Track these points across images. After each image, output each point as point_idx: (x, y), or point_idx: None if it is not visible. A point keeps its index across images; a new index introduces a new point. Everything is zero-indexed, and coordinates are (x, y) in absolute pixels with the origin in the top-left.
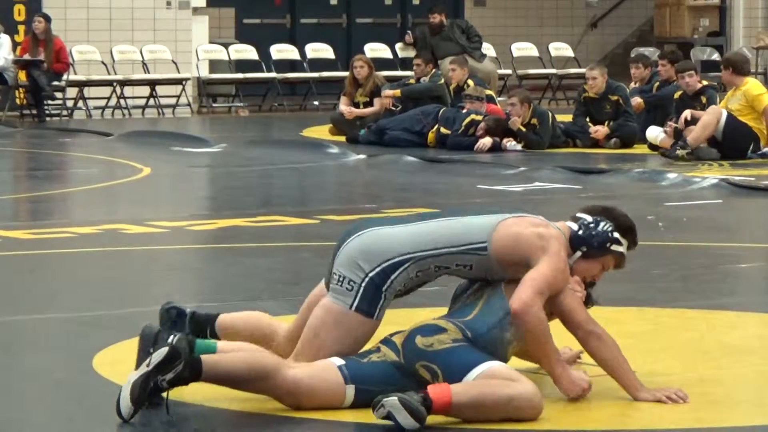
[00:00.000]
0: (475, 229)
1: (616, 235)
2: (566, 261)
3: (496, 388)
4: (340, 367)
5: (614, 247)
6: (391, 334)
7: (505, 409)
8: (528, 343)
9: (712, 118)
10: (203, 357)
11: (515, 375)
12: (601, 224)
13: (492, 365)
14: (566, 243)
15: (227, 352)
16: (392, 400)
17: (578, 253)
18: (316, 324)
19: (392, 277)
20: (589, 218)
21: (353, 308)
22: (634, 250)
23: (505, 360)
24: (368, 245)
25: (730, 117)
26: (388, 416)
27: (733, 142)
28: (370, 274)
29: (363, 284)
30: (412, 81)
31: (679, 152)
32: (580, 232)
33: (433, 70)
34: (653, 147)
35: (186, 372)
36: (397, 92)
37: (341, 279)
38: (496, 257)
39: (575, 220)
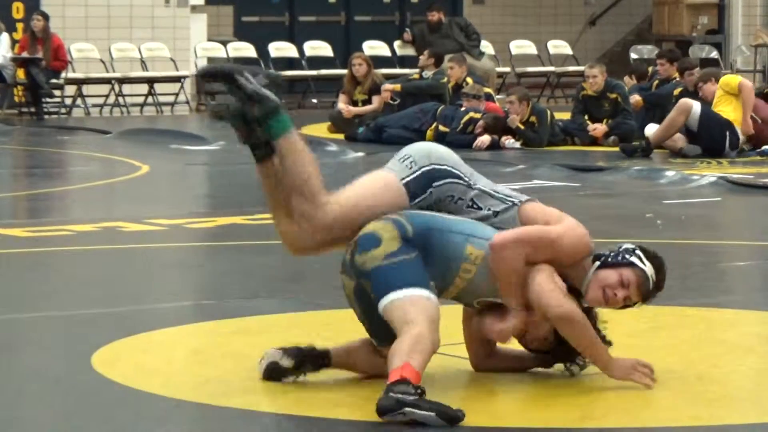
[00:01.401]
0: (515, 193)
1: (639, 252)
2: (582, 243)
3: (422, 346)
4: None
5: (634, 260)
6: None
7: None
8: (499, 280)
9: (678, 115)
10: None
11: (412, 315)
12: (626, 245)
13: (408, 294)
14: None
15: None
16: (426, 415)
17: (597, 263)
18: (365, 177)
19: (445, 180)
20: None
21: (403, 181)
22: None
23: (445, 281)
24: (445, 152)
25: (705, 108)
26: (414, 422)
27: (708, 132)
28: (434, 166)
29: (422, 169)
30: (415, 77)
31: (638, 154)
32: (605, 252)
33: (438, 69)
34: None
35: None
36: (398, 87)
37: (407, 158)
38: (521, 217)
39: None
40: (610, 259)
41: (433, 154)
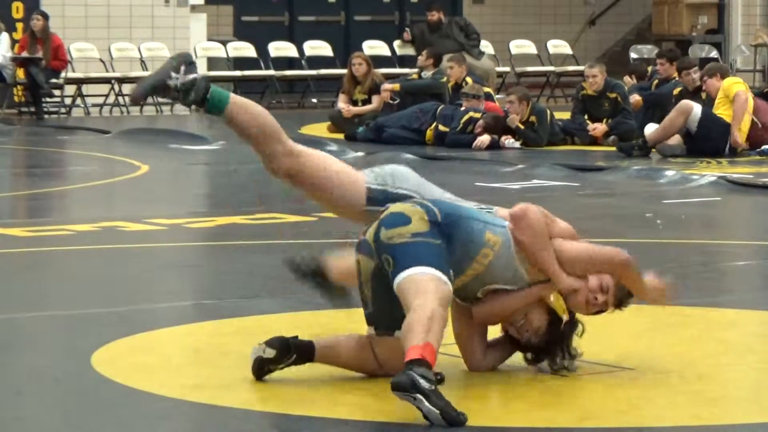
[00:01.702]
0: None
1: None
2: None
3: (437, 325)
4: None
5: None
6: (363, 233)
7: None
8: (532, 251)
9: (677, 116)
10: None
11: (429, 292)
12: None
13: (428, 272)
14: None
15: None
16: (432, 411)
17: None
18: (340, 165)
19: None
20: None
21: (367, 185)
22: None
23: (461, 267)
24: (407, 176)
25: (706, 111)
26: (422, 411)
27: (707, 135)
28: (396, 186)
29: (384, 186)
30: (414, 76)
31: (636, 152)
32: None
33: (437, 68)
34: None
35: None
36: (396, 86)
37: (374, 170)
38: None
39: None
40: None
41: (396, 176)
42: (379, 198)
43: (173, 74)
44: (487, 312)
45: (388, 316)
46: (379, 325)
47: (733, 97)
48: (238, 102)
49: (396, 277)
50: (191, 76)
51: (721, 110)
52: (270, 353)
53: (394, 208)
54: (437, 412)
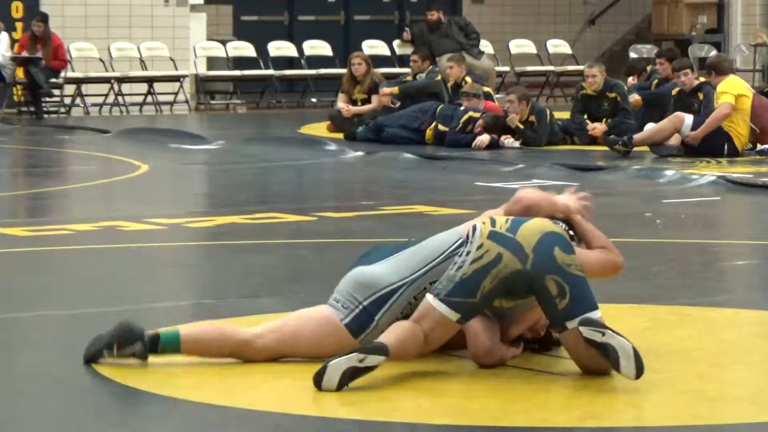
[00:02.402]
0: (447, 236)
1: None
2: None
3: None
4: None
5: None
6: (499, 227)
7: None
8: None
9: (667, 124)
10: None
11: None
12: None
13: (599, 314)
14: None
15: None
16: (624, 343)
17: None
18: (307, 315)
19: (386, 305)
20: None
21: (343, 322)
22: None
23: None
24: (357, 281)
25: (697, 122)
26: (605, 348)
27: (703, 144)
28: (365, 303)
29: (357, 309)
30: (409, 78)
31: (618, 147)
32: None
33: (430, 67)
34: (651, 145)
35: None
36: (395, 89)
37: (339, 300)
38: None
39: None
40: None
41: (350, 288)
42: (362, 322)
43: (104, 352)
44: (520, 328)
45: (477, 311)
46: (467, 315)
47: (719, 106)
48: (188, 340)
49: (575, 319)
50: (127, 349)
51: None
52: (373, 360)
53: (556, 230)
54: (630, 344)
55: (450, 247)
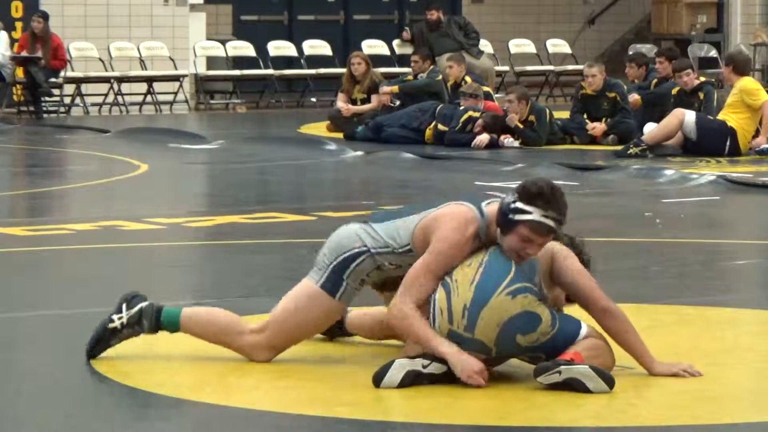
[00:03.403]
0: (403, 232)
1: (518, 204)
2: (460, 234)
3: (603, 358)
4: None
5: (519, 217)
6: (456, 326)
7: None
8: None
9: (673, 119)
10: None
11: (598, 334)
12: (507, 199)
13: (584, 331)
14: (482, 231)
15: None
16: (581, 369)
17: (498, 230)
18: (289, 295)
19: (351, 266)
20: (504, 196)
21: (319, 284)
22: (559, 220)
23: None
24: (335, 240)
25: (700, 117)
26: (569, 385)
27: (705, 141)
28: (334, 263)
29: (329, 268)
30: (409, 77)
31: (632, 150)
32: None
33: (431, 67)
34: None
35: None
36: (395, 88)
37: (317, 263)
38: (419, 251)
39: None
40: (502, 225)
41: (326, 248)
42: (332, 287)
43: (114, 317)
44: None
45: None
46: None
47: (761, 105)
48: (189, 315)
49: (568, 350)
50: (135, 309)
51: (729, 111)
52: (436, 369)
53: (516, 311)
54: (586, 366)
55: (404, 246)
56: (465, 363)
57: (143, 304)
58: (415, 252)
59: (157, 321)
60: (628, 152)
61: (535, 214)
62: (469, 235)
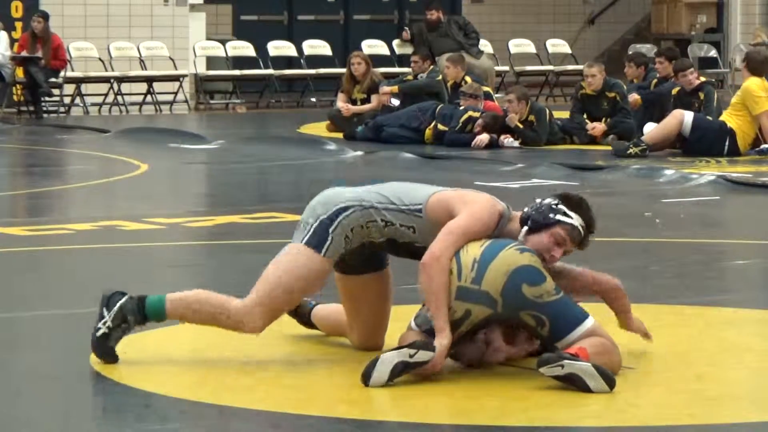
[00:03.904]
0: (416, 194)
1: (562, 207)
2: (494, 208)
3: (609, 356)
4: None
5: (559, 217)
6: (464, 280)
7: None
8: (425, 292)
9: (672, 120)
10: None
11: (605, 333)
12: (547, 200)
13: (591, 322)
14: (505, 218)
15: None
16: (583, 366)
17: (525, 228)
18: (275, 259)
19: (339, 218)
20: (538, 200)
21: (303, 241)
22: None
23: None
24: (325, 196)
25: (698, 117)
26: (570, 379)
27: (700, 141)
28: (321, 216)
29: (314, 224)
30: (409, 78)
31: (632, 150)
32: (526, 209)
33: (431, 67)
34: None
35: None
36: (395, 88)
37: (301, 222)
38: (430, 221)
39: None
40: (537, 222)
41: (316, 204)
42: (320, 237)
43: (99, 324)
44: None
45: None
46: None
47: (757, 116)
48: (175, 299)
49: (569, 336)
50: (116, 308)
51: (731, 111)
52: (424, 356)
53: (520, 261)
54: (589, 365)
55: (411, 206)
56: (439, 359)
57: (121, 301)
58: (424, 217)
59: (141, 313)
60: (628, 152)
61: (575, 220)
62: (498, 212)
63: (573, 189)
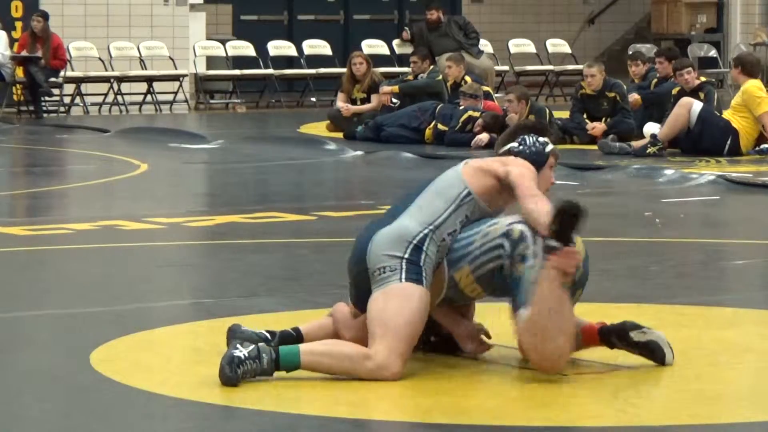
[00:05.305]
0: (451, 185)
1: (542, 139)
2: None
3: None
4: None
5: (548, 149)
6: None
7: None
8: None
9: (681, 110)
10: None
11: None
12: (528, 140)
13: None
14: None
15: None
16: (661, 335)
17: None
18: (377, 307)
19: (423, 250)
20: (517, 144)
21: (403, 280)
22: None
23: None
24: (386, 241)
25: (706, 110)
26: (647, 345)
27: (703, 135)
28: (405, 256)
29: (403, 264)
30: (409, 77)
31: (650, 149)
32: (525, 154)
33: (431, 67)
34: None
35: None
36: (395, 88)
37: (382, 270)
38: (479, 194)
39: (509, 152)
40: (539, 163)
41: (385, 250)
42: (417, 278)
43: (235, 364)
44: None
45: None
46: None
47: (759, 116)
48: (306, 354)
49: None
50: (251, 348)
51: (734, 112)
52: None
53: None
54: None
55: (459, 197)
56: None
57: (260, 345)
58: (473, 191)
59: (275, 362)
60: (647, 152)
61: (552, 145)
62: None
63: (573, 189)
